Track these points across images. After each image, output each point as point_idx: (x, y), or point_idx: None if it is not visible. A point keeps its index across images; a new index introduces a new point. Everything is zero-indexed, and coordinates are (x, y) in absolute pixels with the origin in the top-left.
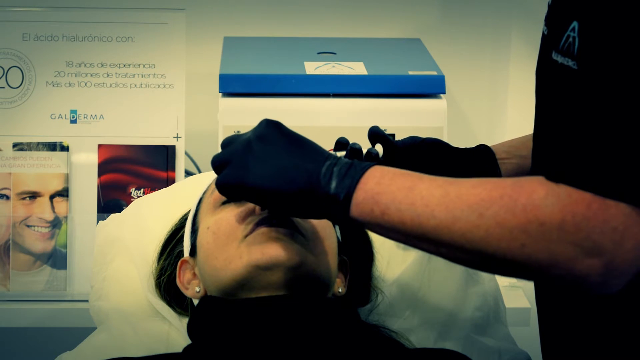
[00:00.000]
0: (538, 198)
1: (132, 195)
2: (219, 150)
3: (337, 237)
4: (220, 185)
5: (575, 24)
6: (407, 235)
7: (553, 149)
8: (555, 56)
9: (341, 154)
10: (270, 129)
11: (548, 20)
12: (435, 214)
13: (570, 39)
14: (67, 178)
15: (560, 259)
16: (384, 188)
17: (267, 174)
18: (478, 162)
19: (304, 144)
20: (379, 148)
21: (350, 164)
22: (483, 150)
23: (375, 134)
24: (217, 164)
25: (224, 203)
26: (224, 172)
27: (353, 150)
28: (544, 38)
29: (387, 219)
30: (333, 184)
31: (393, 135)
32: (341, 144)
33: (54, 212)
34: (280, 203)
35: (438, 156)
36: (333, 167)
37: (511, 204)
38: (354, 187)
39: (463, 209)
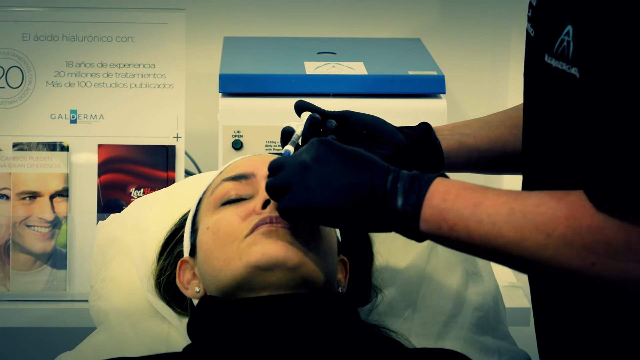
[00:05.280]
0: (600, 219)
1: (132, 195)
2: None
3: (337, 237)
4: (284, 210)
5: (569, 27)
6: (476, 250)
7: (576, 166)
8: (549, 59)
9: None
10: (324, 147)
11: (534, 21)
12: (503, 232)
13: (565, 43)
14: (67, 178)
15: (631, 276)
16: (450, 205)
17: (331, 193)
18: (418, 140)
19: (360, 157)
20: (305, 115)
21: (412, 177)
22: (423, 129)
23: (301, 107)
24: (276, 189)
25: (224, 203)
26: (287, 197)
27: (312, 125)
28: (531, 40)
29: (455, 235)
30: (399, 201)
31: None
32: (287, 134)
33: (54, 212)
34: (348, 221)
35: (370, 133)
36: (397, 183)
37: (576, 224)
38: (420, 203)
39: (530, 229)
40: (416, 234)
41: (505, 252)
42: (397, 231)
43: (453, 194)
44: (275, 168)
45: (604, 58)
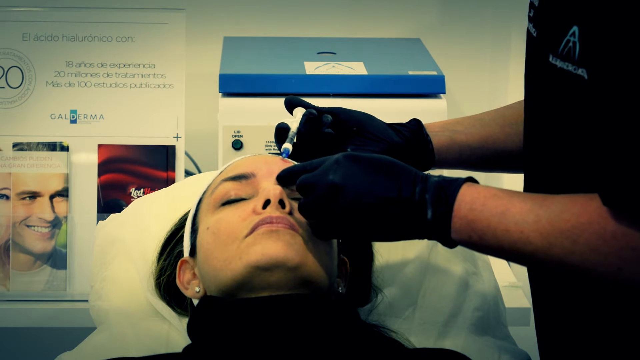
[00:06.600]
0: (624, 225)
1: (132, 195)
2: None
3: None
4: (320, 232)
5: (575, 28)
6: (507, 256)
7: (583, 167)
8: (554, 60)
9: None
10: (349, 164)
11: (536, 21)
12: (530, 240)
13: (571, 44)
14: (67, 178)
15: None
16: (477, 214)
17: (365, 213)
18: (409, 137)
19: (386, 169)
20: (299, 111)
21: (440, 187)
22: (414, 125)
23: (292, 103)
24: (309, 211)
25: (224, 204)
26: (324, 221)
27: (309, 121)
28: (534, 40)
29: (485, 244)
30: (429, 213)
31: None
32: (282, 130)
33: (54, 212)
34: (382, 236)
35: (361, 129)
36: (425, 194)
37: (600, 231)
38: (449, 215)
39: (557, 235)
40: (448, 242)
41: (534, 258)
42: (430, 239)
43: (479, 203)
44: (304, 187)
45: (615, 59)
